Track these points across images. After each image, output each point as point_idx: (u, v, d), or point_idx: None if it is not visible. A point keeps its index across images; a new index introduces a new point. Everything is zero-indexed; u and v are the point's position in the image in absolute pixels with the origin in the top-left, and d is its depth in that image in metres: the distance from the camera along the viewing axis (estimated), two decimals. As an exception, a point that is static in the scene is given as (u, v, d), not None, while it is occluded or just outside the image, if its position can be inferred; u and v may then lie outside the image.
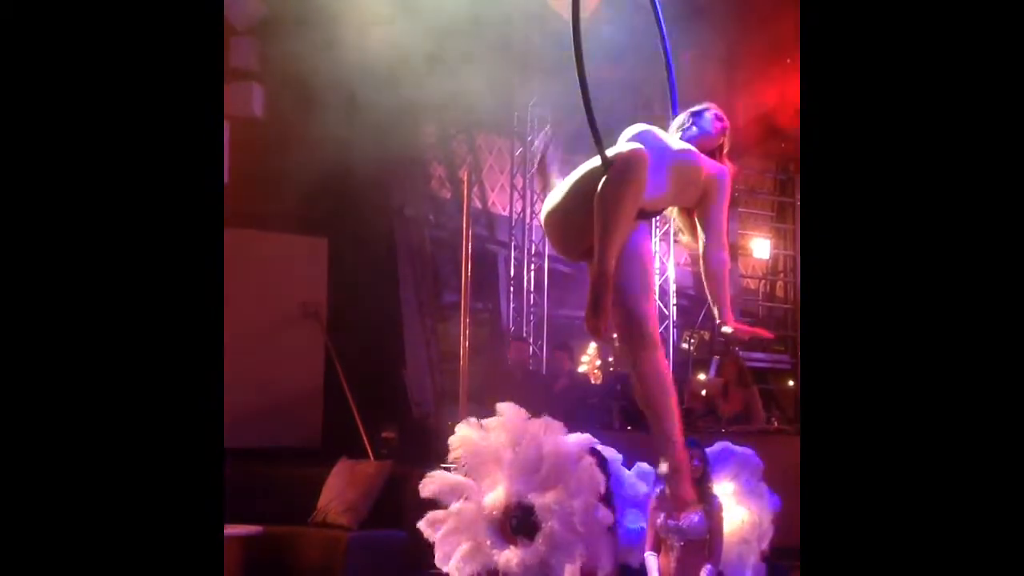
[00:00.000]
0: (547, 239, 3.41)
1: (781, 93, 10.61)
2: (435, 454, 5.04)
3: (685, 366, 10.07)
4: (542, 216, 3.32)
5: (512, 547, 4.70)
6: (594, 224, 3.03)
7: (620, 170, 3.02)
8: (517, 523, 4.76)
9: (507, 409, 4.98)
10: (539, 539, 4.67)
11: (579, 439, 5.06)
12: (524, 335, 9.65)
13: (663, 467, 3.31)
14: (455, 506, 4.94)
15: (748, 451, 5.52)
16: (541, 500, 4.70)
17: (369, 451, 7.52)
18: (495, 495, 4.80)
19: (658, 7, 3.40)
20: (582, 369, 10.41)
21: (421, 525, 5.00)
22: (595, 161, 3.15)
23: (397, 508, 6.25)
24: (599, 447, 5.03)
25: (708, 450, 5.31)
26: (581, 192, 3.11)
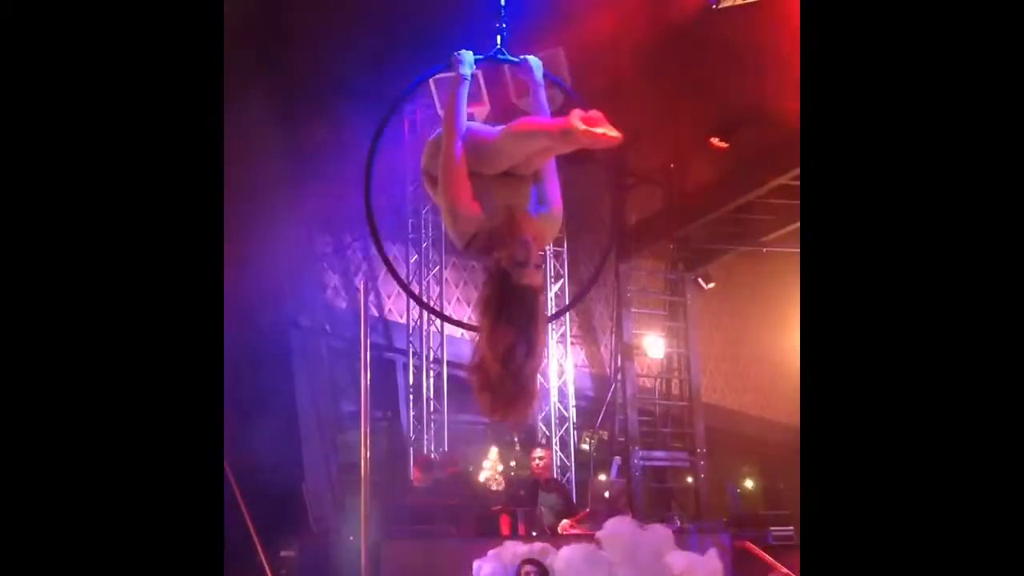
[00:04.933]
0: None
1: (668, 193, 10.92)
2: (336, 572, 4.91)
3: (586, 467, 10.08)
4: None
5: None
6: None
7: None
8: None
9: None
10: None
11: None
12: (428, 452, 9.56)
13: None
14: None
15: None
16: None
17: (268, 571, 7.28)
18: None
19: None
20: (484, 476, 10.31)
21: None
22: None
23: (298, 630, 6.05)
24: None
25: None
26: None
